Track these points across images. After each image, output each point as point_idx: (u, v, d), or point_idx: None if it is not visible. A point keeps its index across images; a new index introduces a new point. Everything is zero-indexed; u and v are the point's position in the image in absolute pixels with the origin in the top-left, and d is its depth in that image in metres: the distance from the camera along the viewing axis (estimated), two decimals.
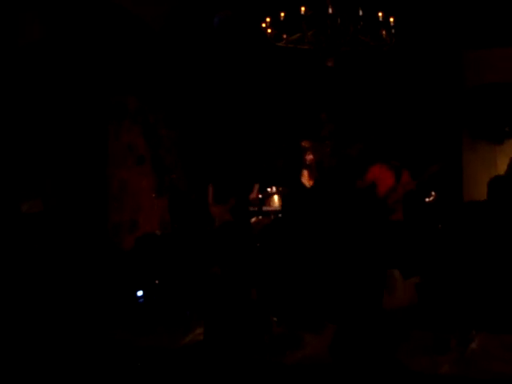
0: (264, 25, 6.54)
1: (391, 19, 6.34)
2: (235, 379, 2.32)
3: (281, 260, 4.67)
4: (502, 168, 7.01)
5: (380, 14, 6.28)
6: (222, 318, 2.39)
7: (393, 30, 6.38)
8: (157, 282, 4.60)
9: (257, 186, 8.13)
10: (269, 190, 8.58)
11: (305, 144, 6.95)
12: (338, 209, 5.59)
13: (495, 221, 4.78)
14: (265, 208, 8.35)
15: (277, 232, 5.02)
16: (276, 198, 8.51)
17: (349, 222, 5.31)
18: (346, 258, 4.64)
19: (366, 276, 4.45)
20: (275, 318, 3.87)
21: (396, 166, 7.07)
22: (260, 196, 8.22)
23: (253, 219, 7.31)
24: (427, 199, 7.19)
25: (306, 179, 8.29)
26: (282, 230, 5.01)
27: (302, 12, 6.16)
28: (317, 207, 5.31)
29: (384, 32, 6.36)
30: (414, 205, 6.61)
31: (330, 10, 6.19)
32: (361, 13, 6.21)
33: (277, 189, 8.54)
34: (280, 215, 7.26)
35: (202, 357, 2.35)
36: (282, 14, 6.40)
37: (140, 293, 4.34)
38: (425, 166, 7.09)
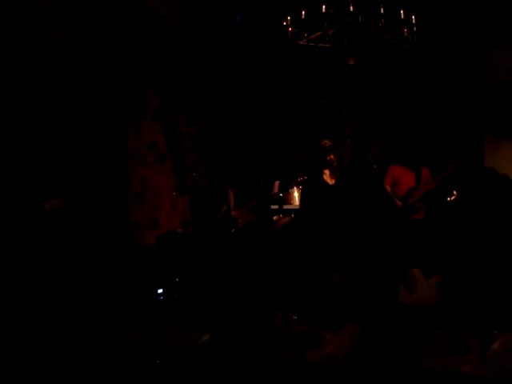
0: (285, 23, 6.53)
1: (413, 17, 6.29)
2: (254, 377, 2.32)
3: (300, 258, 4.67)
4: None
5: (402, 12, 6.23)
6: (240, 317, 2.40)
7: (415, 28, 6.33)
8: (177, 279, 4.63)
9: (277, 183, 8.19)
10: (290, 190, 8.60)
11: (326, 143, 6.93)
12: (355, 207, 5.58)
13: None
14: (286, 206, 8.34)
15: (297, 230, 5.03)
16: (296, 196, 8.50)
17: (363, 221, 5.30)
18: (364, 256, 4.63)
19: (385, 274, 4.44)
20: (295, 317, 3.88)
21: (416, 165, 7.09)
22: (281, 194, 8.26)
23: (274, 217, 7.30)
24: (449, 198, 7.15)
25: (327, 178, 8.30)
26: (302, 228, 5.01)
27: (323, 10, 6.14)
28: (336, 205, 5.31)
29: (406, 30, 6.32)
30: (435, 203, 6.59)
31: (351, 8, 6.16)
32: (382, 11, 6.17)
33: (297, 189, 8.55)
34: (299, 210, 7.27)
35: (219, 355, 2.35)
36: (303, 12, 6.38)
37: (160, 290, 4.37)
38: (446, 165, 7.06)
